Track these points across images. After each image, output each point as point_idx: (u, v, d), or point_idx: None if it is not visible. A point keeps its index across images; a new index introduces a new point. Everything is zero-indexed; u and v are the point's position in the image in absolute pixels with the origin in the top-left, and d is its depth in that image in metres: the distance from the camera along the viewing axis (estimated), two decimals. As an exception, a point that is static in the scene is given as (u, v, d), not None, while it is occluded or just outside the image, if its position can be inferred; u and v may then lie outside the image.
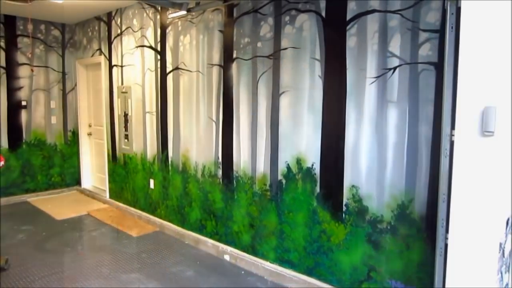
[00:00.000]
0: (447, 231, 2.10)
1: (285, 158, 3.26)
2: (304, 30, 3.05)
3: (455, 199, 1.97)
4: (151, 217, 4.80)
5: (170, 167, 4.49)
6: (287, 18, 3.16)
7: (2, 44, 5.51)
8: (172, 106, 4.38)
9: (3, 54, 5.52)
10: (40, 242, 4.20)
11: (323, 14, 2.92)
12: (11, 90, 5.64)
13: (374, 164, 2.72)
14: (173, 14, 4.15)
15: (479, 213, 1.89)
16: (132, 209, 5.14)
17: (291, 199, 3.25)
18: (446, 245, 2.11)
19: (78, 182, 6.45)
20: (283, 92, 3.24)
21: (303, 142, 3.13)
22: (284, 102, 3.24)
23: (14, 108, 5.70)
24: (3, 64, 5.53)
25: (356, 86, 2.78)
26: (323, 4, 2.92)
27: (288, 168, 3.25)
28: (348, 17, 2.78)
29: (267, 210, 3.45)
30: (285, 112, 3.24)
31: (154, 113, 4.65)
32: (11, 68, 5.61)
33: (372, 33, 2.66)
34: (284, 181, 3.29)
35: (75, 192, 6.38)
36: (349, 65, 2.80)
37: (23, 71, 5.72)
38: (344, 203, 2.90)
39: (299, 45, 3.09)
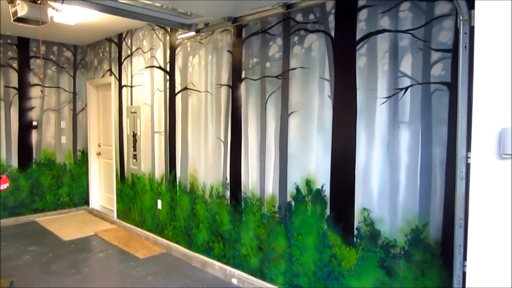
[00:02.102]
0: (464, 258, 2.00)
1: (294, 179, 3.19)
2: (313, 50, 3.03)
3: (473, 224, 1.87)
4: (158, 238, 4.73)
5: (178, 188, 4.44)
6: (296, 38, 3.15)
7: (15, 65, 5.60)
8: (181, 126, 4.36)
9: (16, 75, 5.61)
10: (46, 263, 4.15)
11: (332, 34, 2.90)
12: (23, 111, 5.70)
13: (386, 186, 2.64)
14: (182, 35, 4.18)
15: (498, 240, 1.79)
16: (139, 229, 5.08)
17: (300, 222, 3.16)
18: (464, 273, 2.00)
19: (86, 202, 6.43)
20: (292, 113, 3.20)
21: (313, 163, 3.06)
22: (293, 122, 3.19)
23: (25, 128, 5.75)
24: (16, 85, 5.61)
25: (367, 106, 2.72)
26: (332, 24, 2.90)
27: (297, 189, 3.17)
28: (358, 37, 2.75)
29: (275, 232, 3.36)
30: (294, 132, 3.19)
31: (163, 133, 4.63)
32: (23, 89, 5.69)
33: (382, 53, 2.63)
34: (293, 203, 3.21)
35: (83, 212, 6.35)
36: (359, 85, 2.76)
37: (35, 92, 5.80)
38: (355, 226, 2.81)
39: (308, 65, 3.07)
